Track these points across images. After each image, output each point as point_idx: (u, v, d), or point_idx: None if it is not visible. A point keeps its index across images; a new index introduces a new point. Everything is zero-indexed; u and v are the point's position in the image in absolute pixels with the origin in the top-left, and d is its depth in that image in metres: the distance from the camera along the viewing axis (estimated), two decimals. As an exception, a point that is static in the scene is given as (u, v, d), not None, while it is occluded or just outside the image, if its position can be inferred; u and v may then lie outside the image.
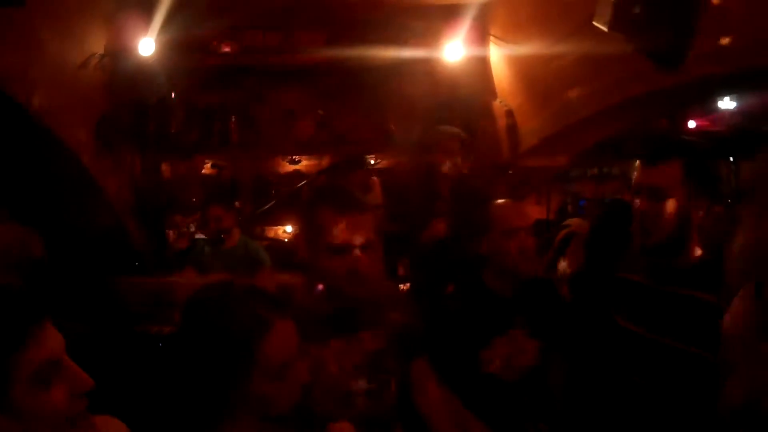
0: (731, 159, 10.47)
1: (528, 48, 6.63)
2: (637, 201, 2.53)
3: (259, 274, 5.29)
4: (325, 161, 8.98)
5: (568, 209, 7.84)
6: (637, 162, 2.58)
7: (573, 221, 5.80)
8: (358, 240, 2.29)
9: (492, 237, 3.02)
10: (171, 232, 7.30)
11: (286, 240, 9.02)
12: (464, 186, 5.14)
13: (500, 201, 3.20)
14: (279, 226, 9.20)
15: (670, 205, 2.43)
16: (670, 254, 2.49)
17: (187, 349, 1.82)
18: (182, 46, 7.76)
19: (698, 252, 2.48)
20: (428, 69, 8.80)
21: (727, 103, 7.58)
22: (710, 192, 2.49)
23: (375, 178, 5.70)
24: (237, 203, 6.19)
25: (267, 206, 6.51)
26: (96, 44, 5.86)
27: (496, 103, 7.54)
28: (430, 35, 8.37)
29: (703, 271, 2.41)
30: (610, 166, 8.72)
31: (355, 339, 2.41)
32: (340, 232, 2.27)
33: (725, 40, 4.26)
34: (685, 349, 2.33)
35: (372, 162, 8.39)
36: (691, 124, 8.90)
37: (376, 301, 2.48)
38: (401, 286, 5.00)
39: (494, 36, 7.31)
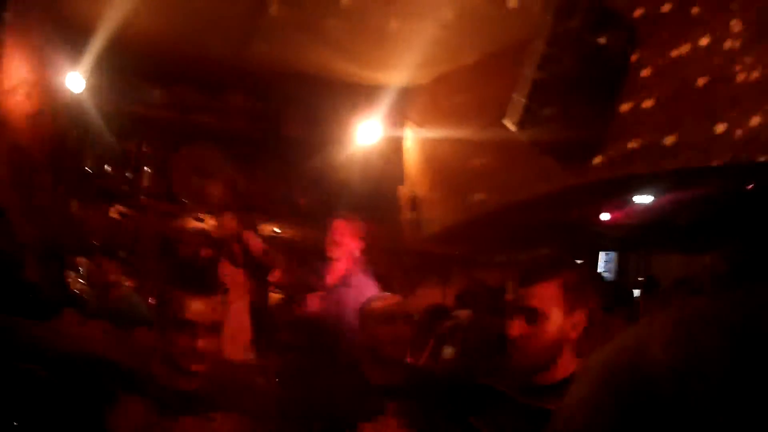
0: (641, 251, 10.73)
1: (442, 135, 6.87)
2: (511, 323, 2.38)
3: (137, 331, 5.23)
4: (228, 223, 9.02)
5: (470, 295, 7.98)
6: (511, 282, 2.47)
7: (460, 313, 6.02)
8: (206, 319, 2.36)
9: (367, 324, 3.10)
10: (71, 273, 7.21)
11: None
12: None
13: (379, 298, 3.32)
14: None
15: (546, 328, 2.32)
16: (540, 371, 2.39)
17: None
18: (109, 89, 7.80)
19: (568, 367, 2.36)
20: (342, 146, 9.04)
21: (642, 198, 7.92)
22: (588, 302, 2.40)
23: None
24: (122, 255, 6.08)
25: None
26: (23, 74, 5.86)
27: (402, 188, 7.73)
28: (349, 113, 8.62)
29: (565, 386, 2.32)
30: (519, 252, 8.94)
31: (206, 419, 2.40)
32: (186, 310, 2.33)
33: (634, 144, 4.57)
34: None
35: (277, 230, 8.48)
36: (605, 216, 9.20)
37: (225, 382, 2.52)
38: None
39: (411, 122, 7.53)
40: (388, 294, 3.24)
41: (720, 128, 4.04)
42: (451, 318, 5.84)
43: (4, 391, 2.40)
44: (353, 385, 2.99)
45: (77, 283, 7.27)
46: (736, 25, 3.98)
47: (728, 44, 4.03)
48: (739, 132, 3.95)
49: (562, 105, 4.50)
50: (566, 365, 2.36)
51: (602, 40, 4.45)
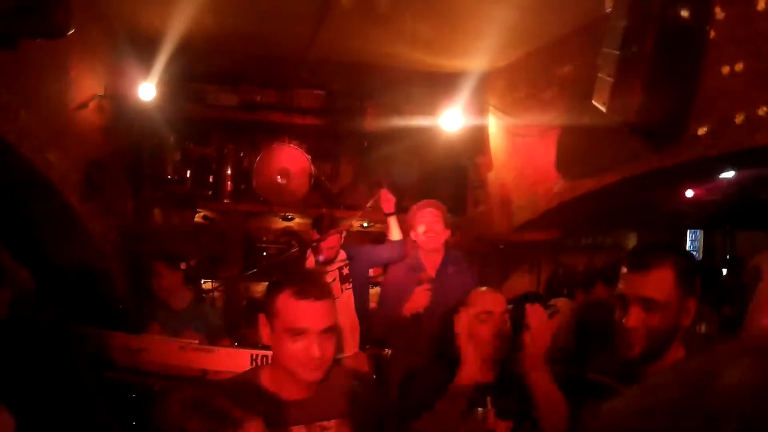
0: (728, 228, 10.48)
1: (526, 120, 6.63)
2: (625, 313, 2.35)
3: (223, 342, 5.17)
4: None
5: (559, 280, 7.76)
6: (624, 270, 2.39)
7: (558, 302, 5.79)
8: (319, 325, 2.28)
9: (465, 318, 2.97)
10: (158, 278, 7.24)
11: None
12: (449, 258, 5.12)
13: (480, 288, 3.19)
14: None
15: (663, 316, 2.29)
16: (652, 361, 2.33)
17: None
18: (181, 96, 7.81)
19: (675, 357, 2.33)
20: (426, 137, 8.85)
21: (726, 174, 7.59)
22: (697, 289, 2.36)
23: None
24: (182, 264, 6.01)
25: (254, 270, 6.44)
26: (96, 87, 5.85)
27: (491, 176, 7.52)
28: (429, 103, 8.43)
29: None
30: (604, 236, 8.68)
31: (319, 427, 2.37)
32: (299, 316, 2.27)
33: (720, 121, 4.26)
34: None
35: (365, 225, 8.36)
36: (689, 193, 8.89)
37: (338, 387, 2.46)
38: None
39: (493, 107, 7.31)
40: (488, 289, 3.09)
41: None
42: (548, 307, 5.62)
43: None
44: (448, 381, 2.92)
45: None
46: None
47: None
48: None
49: (648, 83, 4.23)
50: (674, 355, 2.33)
51: (682, 13, 4.20)
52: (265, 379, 2.39)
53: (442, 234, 4.96)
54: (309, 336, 2.25)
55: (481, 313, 2.95)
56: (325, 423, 2.38)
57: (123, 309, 6.47)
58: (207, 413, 1.74)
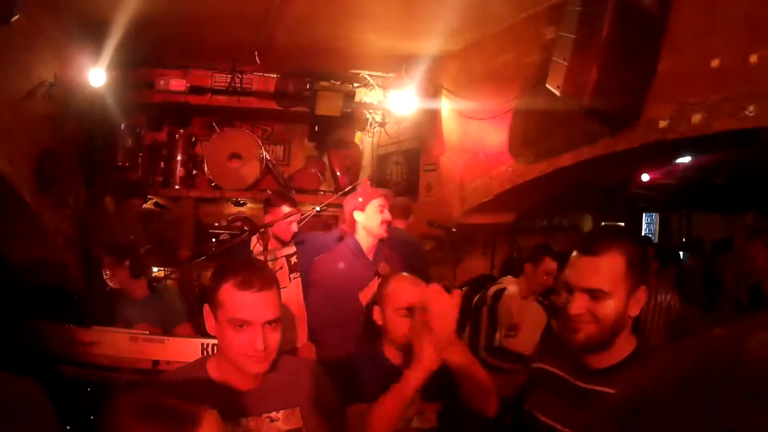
0: (683, 211, 10.74)
1: (480, 104, 6.66)
2: (571, 300, 2.29)
3: (179, 328, 5.12)
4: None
5: (514, 262, 7.83)
6: (573, 254, 2.33)
7: (505, 280, 5.85)
8: (262, 317, 2.24)
9: (386, 312, 2.98)
10: (108, 271, 7.13)
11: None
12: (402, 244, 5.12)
13: (398, 276, 3.15)
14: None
15: (607, 305, 2.22)
16: (598, 351, 2.29)
17: None
18: (130, 81, 7.69)
19: (624, 348, 2.29)
20: (380, 119, 8.87)
21: (682, 159, 7.74)
22: (648, 278, 2.32)
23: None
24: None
25: (203, 256, 6.36)
26: (45, 74, 5.72)
27: (444, 159, 7.55)
28: (381, 86, 8.43)
29: (618, 370, 2.27)
30: (560, 218, 8.79)
31: (267, 418, 2.35)
32: (242, 307, 2.23)
33: (678, 106, 4.33)
34: None
35: (318, 210, 8.34)
36: (645, 177, 9.05)
37: (285, 377, 2.44)
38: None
39: (446, 90, 7.33)
40: (409, 279, 3.10)
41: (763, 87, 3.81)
42: (496, 283, 5.68)
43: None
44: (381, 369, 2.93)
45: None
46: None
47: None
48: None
49: (603, 66, 4.28)
50: (623, 346, 2.28)
51: None
52: (212, 370, 2.36)
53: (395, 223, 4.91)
54: (253, 327, 2.22)
55: (400, 309, 2.93)
56: (273, 414, 2.36)
57: (76, 300, 6.38)
58: (161, 417, 1.71)
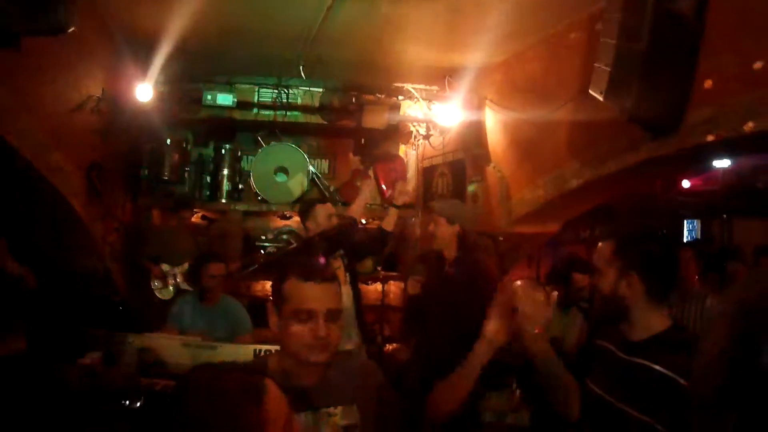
0: (724, 217, 10.57)
1: (524, 114, 6.63)
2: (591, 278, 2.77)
3: (240, 338, 5.17)
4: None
5: (558, 273, 7.75)
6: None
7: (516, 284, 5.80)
8: (324, 306, 2.30)
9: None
10: (156, 282, 7.22)
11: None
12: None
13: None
14: (267, 283, 9.15)
15: (600, 282, 2.61)
16: (618, 321, 2.61)
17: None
18: (177, 97, 7.80)
19: (653, 326, 2.54)
20: (424, 131, 8.87)
21: (721, 162, 7.64)
22: (640, 267, 2.54)
23: None
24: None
25: (254, 266, 6.40)
26: (93, 88, 5.83)
27: (490, 169, 7.53)
28: (426, 98, 8.44)
29: (653, 344, 2.49)
30: (602, 228, 8.70)
31: (326, 414, 2.38)
32: (306, 297, 2.29)
33: (717, 109, 4.29)
34: (650, 424, 2.32)
35: (363, 222, 8.37)
36: (685, 184, 8.94)
37: (343, 374, 2.46)
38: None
39: (490, 101, 7.31)
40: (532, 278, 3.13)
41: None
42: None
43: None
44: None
45: (174, 288, 7.32)
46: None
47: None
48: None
49: (645, 71, 4.26)
50: (650, 323, 2.53)
51: (678, 4, 4.25)
52: (273, 366, 2.38)
53: (448, 238, 4.92)
54: (315, 317, 2.27)
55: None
56: (331, 409, 2.37)
57: (124, 309, 6.47)
58: (228, 389, 1.71)
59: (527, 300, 2.64)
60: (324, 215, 5.39)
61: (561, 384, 2.69)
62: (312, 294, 2.29)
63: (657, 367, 2.35)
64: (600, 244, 2.65)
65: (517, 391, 2.88)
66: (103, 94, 6.00)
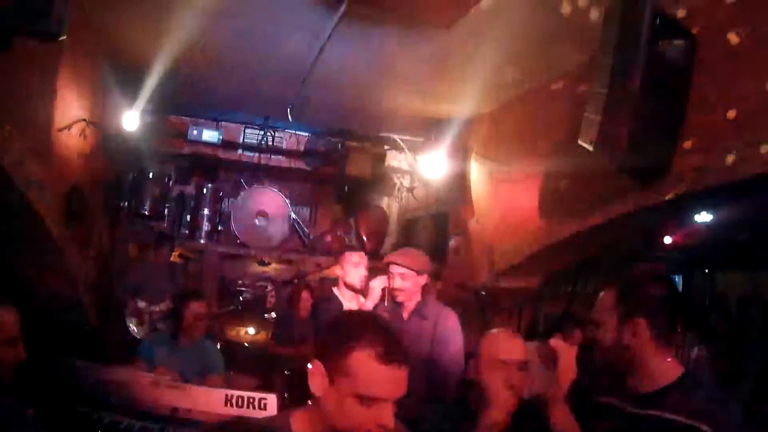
0: (707, 271, 10.60)
1: (509, 165, 6.64)
2: (593, 334, 2.62)
3: (210, 379, 5.01)
4: (296, 266, 8.90)
5: (538, 328, 7.71)
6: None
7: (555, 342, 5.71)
8: (397, 394, 1.99)
9: (480, 365, 2.84)
10: (132, 318, 7.09)
11: (245, 344, 8.84)
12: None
13: (495, 330, 3.00)
14: (241, 328, 9.02)
15: (603, 334, 2.53)
16: (626, 374, 2.52)
17: None
18: (163, 129, 7.78)
19: (665, 375, 2.43)
20: (408, 184, 8.88)
21: (702, 217, 7.70)
22: (646, 311, 2.46)
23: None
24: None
25: (232, 307, 6.29)
26: (80, 111, 5.79)
27: (473, 222, 7.51)
28: (411, 149, 8.46)
29: (668, 394, 2.39)
30: (585, 283, 8.66)
31: None
32: (380, 383, 1.96)
33: (703, 156, 4.31)
34: None
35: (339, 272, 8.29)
36: (667, 240, 8.97)
37: None
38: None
39: (476, 152, 7.33)
40: (515, 336, 2.98)
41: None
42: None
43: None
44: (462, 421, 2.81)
45: (139, 327, 7.19)
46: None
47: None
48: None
49: (635, 119, 4.26)
50: (661, 372, 2.44)
51: (667, 52, 4.28)
52: (297, 427, 2.11)
53: (411, 291, 4.67)
54: (384, 404, 1.96)
55: (520, 362, 2.79)
56: None
57: (95, 341, 6.34)
58: None
59: (563, 360, 2.62)
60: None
61: None
62: (389, 380, 1.96)
63: (679, 418, 2.26)
64: (601, 295, 2.58)
65: None
66: (90, 118, 5.95)
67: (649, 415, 2.35)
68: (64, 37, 3.83)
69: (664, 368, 2.44)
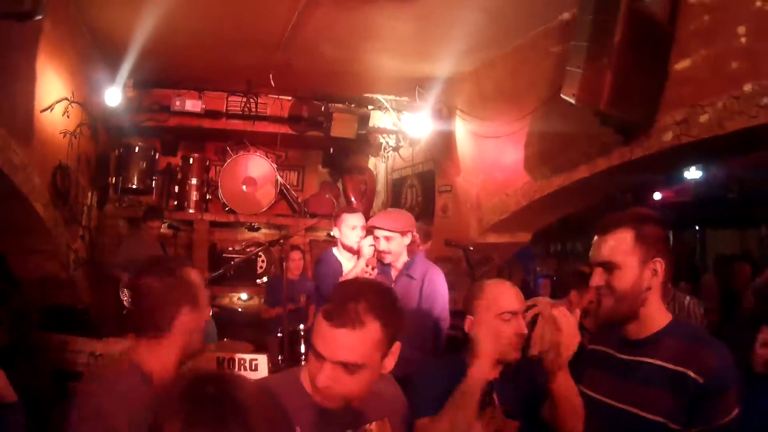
0: (696, 228, 10.68)
1: (493, 123, 6.65)
2: (594, 276, 2.51)
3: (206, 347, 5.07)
4: (284, 230, 8.90)
5: (529, 286, 7.76)
6: (594, 238, 2.56)
7: (538, 300, 5.73)
8: (335, 356, 2.04)
9: (484, 319, 2.83)
10: (125, 291, 7.11)
11: (239, 309, 8.89)
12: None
13: (492, 281, 2.99)
14: (234, 294, 9.08)
15: (621, 277, 2.42)
16: (625, 320, 2.47)
17: None
18: (146, 103, 7.73)
19: (658, 320, 2.44)
20: (393, 143, 8.87)
21: (692, 173, 7.69)
22: (664, 252, 2.45)
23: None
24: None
25: (221, 270, 6.30)
26: (62, 90, 5.73)
27: (459, 179, 7.52)
28: (396, 108, 8.43)
29: (658, 340, 2.40)
30: (573, 242, 8.72)
31: (363, 431, 2.27)
32: (320, 339, 2.06)
33: (687, 110, 4.34)
34: (662, 423, 2.27)
35: (331, 234, 8.34)
36: (657, 196, 9.00)
37: (373, 391, 2.24)
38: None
39: (460, 110, 7.32)
40: (509, 284, 2.97)
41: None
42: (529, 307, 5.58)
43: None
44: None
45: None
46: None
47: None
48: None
49: (617, 72, 4.27)
50: (655, 318, 2.44)
51: (649, 6, 4.34)
52: (308, 383, 2.18)
53: (397, 253, 4.71)
54: (324, 362, 2.04)
55: (506, 312, 2.81)
56: (367, 426, 2.28)
57: (87, 319, 6.36)
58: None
59: (566, 327, 2.52)
60: None
61: (573, 409, 2.60)
62: (325, 337, 2.05)
63: (667, 365, 2.30)
64: (615, 233, 2.45)
65: (501, 409, 2.76)
66: (72, 97, 5.91)
67: (640, 361, 2.39)
68: (41, 17, 3.78)
69: (659, 314, 2.44)
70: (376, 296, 2.09)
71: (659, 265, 2.41)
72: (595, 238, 2.54)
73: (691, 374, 2.19)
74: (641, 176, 6.31)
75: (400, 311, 2.15)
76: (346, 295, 2.08)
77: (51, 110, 5.53)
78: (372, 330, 2.04)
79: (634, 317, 2.44)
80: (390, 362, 2.17)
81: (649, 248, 2.42)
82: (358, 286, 2.18)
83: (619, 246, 2.44)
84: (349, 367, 2.04)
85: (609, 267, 2.45)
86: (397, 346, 2.15)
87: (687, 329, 2.45)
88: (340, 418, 2.18)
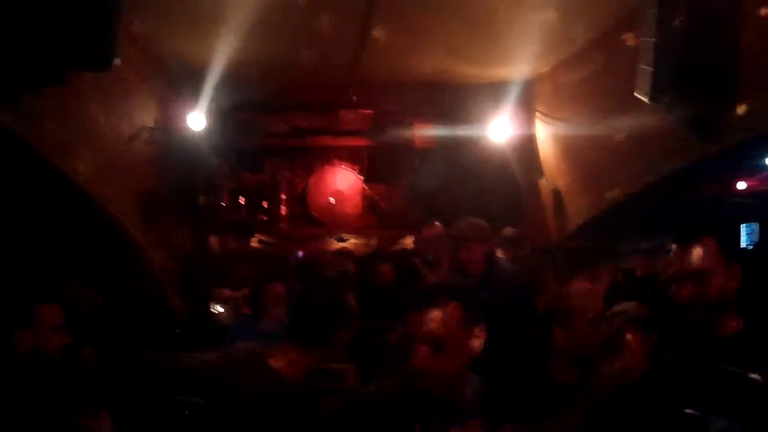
0: None
1: (573, 124, 6.57)
2: (681, 288, 2.45)
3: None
4: (373, 241, 8.97)
5: (620, 286, 7.58)
6: (673, 247, 2.52)
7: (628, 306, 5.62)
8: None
9: (576, 325, 2.87)
10: (218, 306, 7.30)
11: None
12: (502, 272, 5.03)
13: (578, 285, 3.06)
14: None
15: (709, 285, 2.38)
16: (711, 328, 2.43)
17: None
18: (231, 125, 7.93)
19: (735, 324, 2.41)
20: (475, 149, 8.84)
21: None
22: (740, 255, 2.45)
23: None
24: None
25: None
26: (146, 118, 5.96)
27: (543, 182, 7.47)
28: (476, 114, 8.41)
29: (742, 343, 2.37)
30: (662, 238, 8.50)
31: (461, 426, 2.26)
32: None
33: (758, 102, 4.27)
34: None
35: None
36: (741, 185, 8.67)
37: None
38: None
39: (540, 113, 7.26)
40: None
41: None
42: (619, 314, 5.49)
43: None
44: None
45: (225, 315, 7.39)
46: None
47: None
48: None
49: (688, 68, 4.16)
50: (733, 322, 2.40)
51: None
52: None
53: (478, 262, 4.73)
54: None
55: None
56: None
57: (181, 336, 6.56)
58: None
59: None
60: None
61: None
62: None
63: (753, 376, 2.24)
64: (703, 241, 2.40)
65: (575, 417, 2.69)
66: (156, 124, 6.12)
67: (727, 370, 2.30)
68: (118, 61, 3.93)
69: (729, 319, 2.41)
70: None
71: (737, 269, 2.40)
72: (675, 249, 2.50)
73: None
74: (722, 170, 6.15)
75: None
76: None
77: (136, 139, 5.74)
78: None
79: (720, 324, 2.42)
80: None
81: (730, 254, 2.41)
82: None
83: (708, 252, 2.40)
84: None
85: (698, 277, 2.40)
86: None
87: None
88: None
